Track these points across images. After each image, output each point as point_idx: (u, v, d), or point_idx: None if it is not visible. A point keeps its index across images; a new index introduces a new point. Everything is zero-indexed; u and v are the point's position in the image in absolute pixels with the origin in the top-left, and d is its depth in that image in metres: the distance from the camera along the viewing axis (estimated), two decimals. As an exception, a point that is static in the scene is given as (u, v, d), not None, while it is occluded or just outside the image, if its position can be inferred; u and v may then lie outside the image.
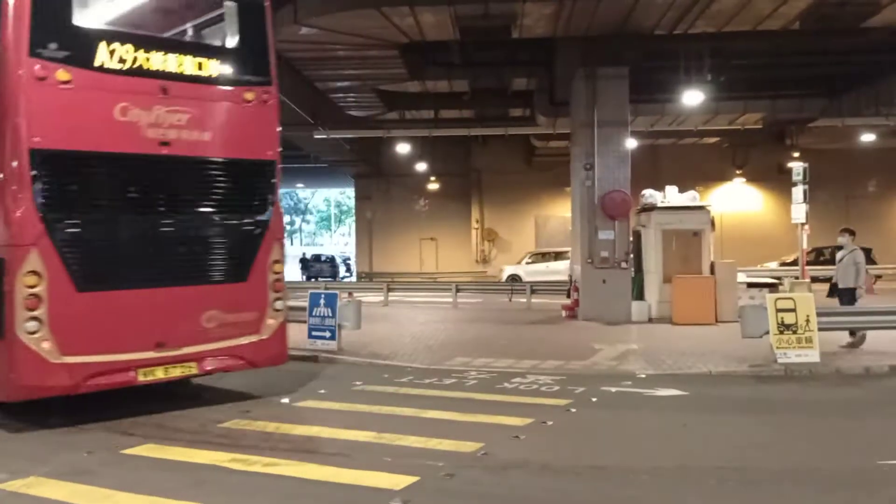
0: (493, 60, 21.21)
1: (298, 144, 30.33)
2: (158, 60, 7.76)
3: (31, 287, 6.95)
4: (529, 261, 30.32)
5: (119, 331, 7.49)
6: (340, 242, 68.99)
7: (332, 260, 45.02)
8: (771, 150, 29.59)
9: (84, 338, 7.27)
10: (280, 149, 9.17)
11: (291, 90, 20.05)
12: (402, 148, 31.20)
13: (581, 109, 17.42)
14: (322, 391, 9.22)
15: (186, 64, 8.02)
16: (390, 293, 22.91)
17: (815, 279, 23.21)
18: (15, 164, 7.01)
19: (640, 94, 18.70)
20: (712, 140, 30.59)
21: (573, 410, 8.19)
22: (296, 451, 6.45)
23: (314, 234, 76.64)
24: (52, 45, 7.08)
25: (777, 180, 28.34)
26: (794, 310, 10.32)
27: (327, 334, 11.95)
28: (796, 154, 25.82)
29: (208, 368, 8.21)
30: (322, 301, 12.09)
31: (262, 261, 8.54)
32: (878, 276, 26.48)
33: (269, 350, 8.75)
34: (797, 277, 19.15)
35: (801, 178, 17.20)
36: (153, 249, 7.81)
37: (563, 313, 17.79)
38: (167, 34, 8.89)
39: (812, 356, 10.22)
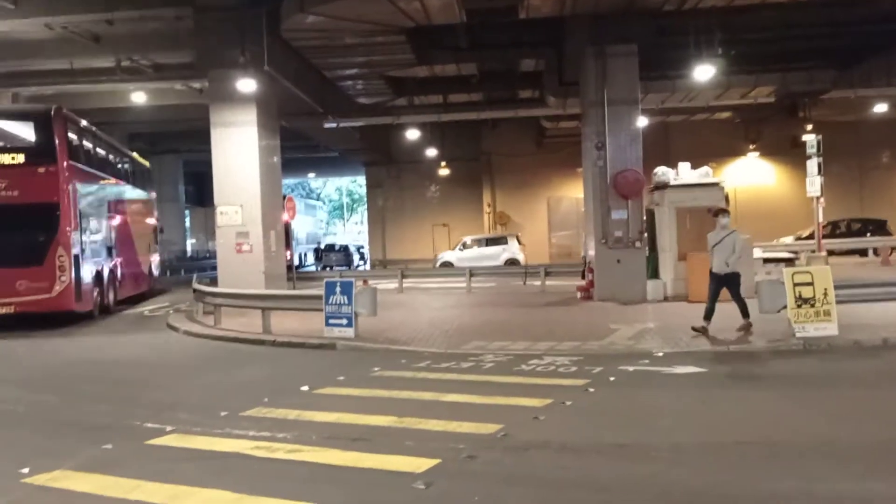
0: (500, 42, 21.10)
1: (308, 134, 30.35)
2: None
3: None
4: (461, 248, 30.83)
5: None
6: (353, 231, 69.06)
7: (345, 249, 45.14)
8: (783, 123, 29.31)
9: None
10: (62, 195, 14.98)
11: (299, 80, 20.04)
12: (412, 134, 31.14)
13: (591, 89, 17.33)
14: (341, 378, 9.28)
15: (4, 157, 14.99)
16: (404, 280, 22.95)
17: (830, 252, 23.12)
18: None
19: (650, 72, 18.57)
20: (724, 115, 30.32)
21: (591, 390, 8.20)
22: (317, 437, 6.49)
23: (327, 223, 76.77)
24: None
25: (790, 154, 28.12)
26: (811, 283, 10.28)
27: (344, 322, 12.01)
28: (809, 127, 25.48)
29: (19, 310, 14.49)
30: (338, 289, 12.15)
31: (52, 253, 14.67)
32: (894, 248, 26.26)
33: (60, 302, 14.83)
34: (813, 251, 19.05)
35: (815, 150, 17.10)
36: None
37: (578, 294, 17.78)
38: None
39: (830, 329, 10.18)
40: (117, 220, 19.55)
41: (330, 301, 12.14)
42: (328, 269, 38.20)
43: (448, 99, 26.25)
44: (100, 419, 7.58)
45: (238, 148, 17.59)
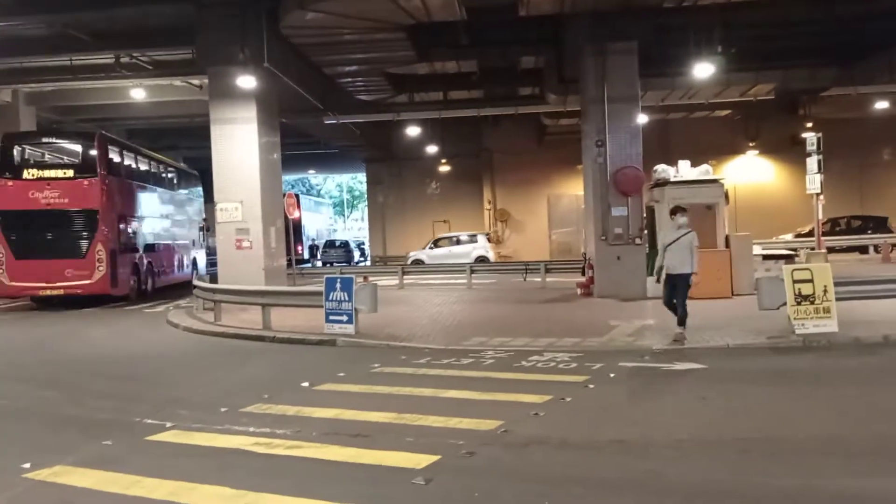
0: (500, 39, 21.06)
1: (308, 131, 30.34)
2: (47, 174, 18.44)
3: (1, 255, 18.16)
4: (432, 246, 31.38)
5: (33, 274, 17.91)
6: (354, 227, 69.07)
7: (346, 245, 45.13)
8: (783, 121, 29.34)
9: (18, 276, 17.84)
10: (102, 203, 18.47)
11: (299, 76, 20.04)
12: (413, 131, 31.15)
13: (591, 86, 17.32)
14: (341, 374, 9.28)
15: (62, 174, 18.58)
16: (405, 276, 22.97)
17: (830, 249, 23.14)
18: None
19: (650, 69, 18.54)
20: (724, 113, 30.31)
21: (591, 386, 8.21)
22: (317, 433, 6.50)
23: (334, 220, 76.72)
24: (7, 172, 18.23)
25: (790, 151, 28.14)
26: (811, 280, 10.29)
27: (344, 318, 12.02)
28: (809, 124, 25.54)
29: (67, 293, 18.17)
30: (338, 285, 12.16)
31: (93, 248, 18.21)
32: (895, 245, 26.28)
33: (98, 287, 18.33)
34: (813, 248, 19.06)
35: (814, 148, 17.10)
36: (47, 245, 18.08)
37: (579, 291, 17.80)
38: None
39: (830, 326, 10.19)
40: (157, 220, 22.91)
41: (330, 297, 12.14)
42: (329, 265, 38.18)
43: (448, 96, 26.25)
44: (100, 415, 7.59)
45: (238, 144, 17.59)
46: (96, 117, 29.38)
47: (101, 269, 18.08)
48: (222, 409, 7.49)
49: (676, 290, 10.63)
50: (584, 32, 17.46)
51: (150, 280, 21.52)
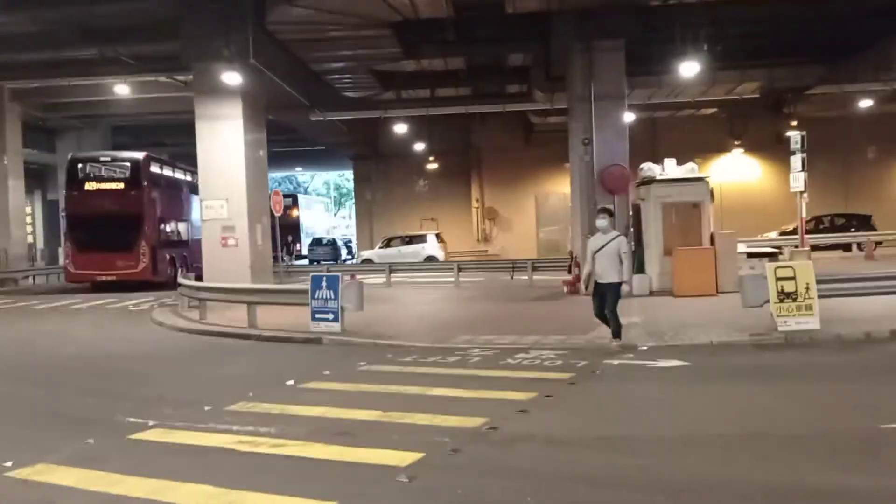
0: (488, 37, 21.10)
1: (295, 127, 30.26)
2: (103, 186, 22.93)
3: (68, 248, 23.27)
4: (382, 245, 31.88)
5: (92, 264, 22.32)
6: (342, 225, 68.93)
7: (333, 243, 45.04)
8: (769, 119, 29.51)
9: (81, 265, 22.38)
10: (145, 209, 22.83)
11: (285, 73, 19.97)
12: (400, 128, 31.12)
13: (578, 84, 17.37)
14: (327, 372, 9.26)
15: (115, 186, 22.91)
16: (392, 274, 22.95)
17: (814, 247, 23.31)
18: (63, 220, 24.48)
19: (637, 67, 18.64)
20: (710, 111, 30.50)
21: (576, 384, 8.23)
22: (302, 431, 6.48)
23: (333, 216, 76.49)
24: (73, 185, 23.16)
25: (775, 150, 28.28)
26: (793, 278, 10.37)
27: (330, 316, 12.00)
28: (794, 123, 25.72)
29: (118, 279, 22.13)
30: (324, 283, 12.13)
31: (138, 243, 22.37)
32: (879, 243, 26.50)
33: (142, 274, 22.31)
34: (797, 246, 19.19)
35: (799, 146, 17.22)
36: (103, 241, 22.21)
37: (565, 289, 17.83)
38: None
39: (812, 323, 10.27)
40: (189, 220, 25.97)
41: (316, 295, 12.11)
42: (315, 263, 38.08)
43: (436, 93, 26.25)
44: (83, 413, 7.55)
45: (223, 141, 17.52)
46: (82, 114, 29.20)
47: (144, 260, 22.37)
48: (206, 408, 7.46)
49: (606, 301, 10.00)
50: (571, 30, 17.52)
51: (184, 269, 22.62)
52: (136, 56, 20.35)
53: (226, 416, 7.13)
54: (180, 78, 21.50)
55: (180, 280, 16.05)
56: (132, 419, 7.06)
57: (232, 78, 16.53)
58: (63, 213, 27.49)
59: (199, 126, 17.68)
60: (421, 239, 30.96)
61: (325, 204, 67.43)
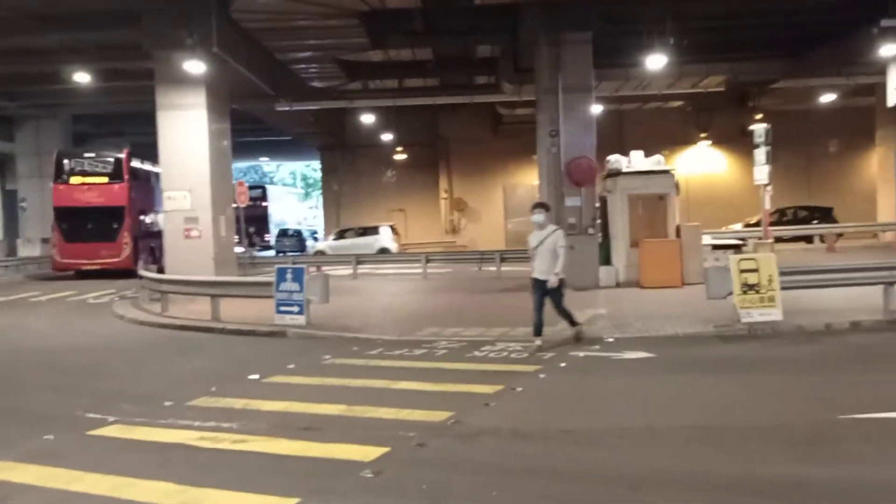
0: (456, 28, 21.01)
1: (260, 117, 29.92)
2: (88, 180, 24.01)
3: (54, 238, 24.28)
4: (335, 237, 32.01)
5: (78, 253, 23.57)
6: (309, 216, 68.45)
7: (299, 234, 44.73)
8: (734, 112, 29.84)
9: (67, 255, 23.58)
10: (127, 201, 23.70)
11: (250, 62, 19.70)
12: (367, 119, 30.94)
13: (545, 76, 17.36)
14: (291, 366, 9.17)
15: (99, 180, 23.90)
16: (359, 266, 22.83)
17: (778, 239, 23.65)
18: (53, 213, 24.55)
19: (604, 60, 18.65)
20: (676, 104, 30.75)
21: (542, 376, 8.25)
22: (265, 426, 6.41)
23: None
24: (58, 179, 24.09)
25: (740, 142, 28.59)
26: (756, 270, 10.49)
27: (295, 309, 11.87)
28: (759, 116, 26.03)
29: (102, 267, 22.67)
30: (289, 276, 11.99)
31: (121, 234, 23.56)
32: (840, 235, 26.98)
33: (125, 263, 22.79)
34: (761, 238, 19.44)
35: (763, 139, 17.40)
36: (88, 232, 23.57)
37: (533, 280, 17.85)
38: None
39: (775, 315, 10.40)
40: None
41: (281, 288, 11.98)
42: (281, 254, 37.79)
43: (403, 84, 26.11)
44: (41, 409, 7.40)
45: (186, 131, 17.26)
46: (41, 103, 28.56)
47: (126, 250, 23.48)
48: (167, 403, 7.34)
49: (551, 297, 9.73)
50: (538, 22, 17.50)
51: (163, 259, 24.01)
52: (97, 44, 19.92)
53: (187, 412, 7.03)
54: (142, 66, 21.09)
55: (141, 272, 15.79)
56: (91, 415, 6.93)
57: (195, 67, 16.26)
58: (22, 204, 30.47)
59: (161, 116, 17.39)
60: (374, 231, 30.92)
61: (298, 195, 66.93)
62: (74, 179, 23.89)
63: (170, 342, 11.82)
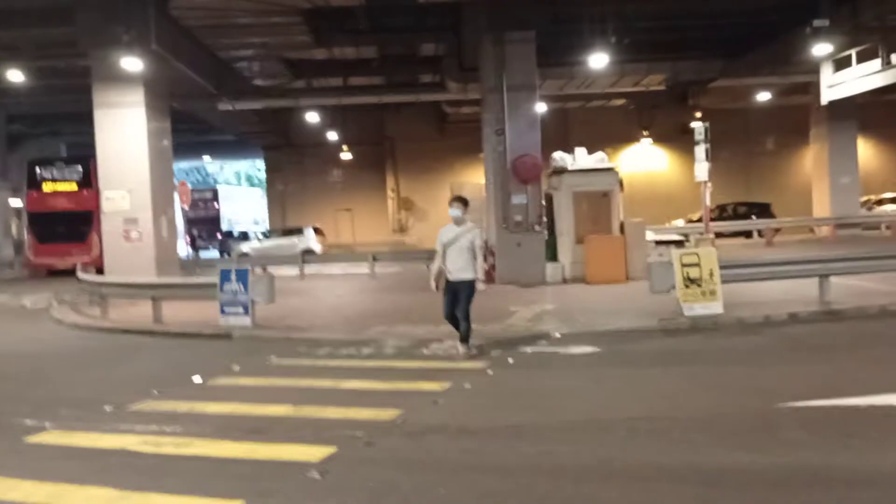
0: (400, 26, 20.98)
1: (202, 117, 29.39)
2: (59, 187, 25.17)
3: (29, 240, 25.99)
4: (259, 239, 32.17)
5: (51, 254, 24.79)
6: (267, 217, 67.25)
7: (245, 235, 44.06)
8: (675, 110, 30.44)
9: (41, 255, 25.08)
10: (96, 206, 20.28)
11: (191, 60, 19.32)
12: (313, 117, 30.65)
13: (490, 75, 17.44)
14: (236, 368, 9.02)
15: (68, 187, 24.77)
16: (306, 266, 22.61)
17: (719, 235, 24.23)
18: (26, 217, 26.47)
19: (548, 58, 18.86)
20: (620, 102, 31.21)
21: (490, 373, 8.29)
22: (209, 429, 6.29)
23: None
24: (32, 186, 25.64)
25: (681, 140, 29.24)
26: (698, 264, 10.71)
27: (240, 310, 11.69)
28: (698, 114, 26.60)
29: (72, 266, 17.86)
30: (233, 276, 11.80)
31: (91, 235, 23.54)
32: (778, 230, 27.76)
33: (95, 262, 19.90)
34: (702, 234, 19.87)
35: (702, 137, 17.79)
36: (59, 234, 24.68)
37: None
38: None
39: (716, 308, 10.64)
40: None
41: (224, 289, 11.78)
42: (226, 255, 37.19)
43: (348, 82, 25.93)
44: (-27, 418, 7.12)
45: (124, 130, 16.83)
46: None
47: (96, 250, 23.39)
48: (108, 408, 7.15)
49: (458, 300, 8.92)
50: (482, 21, 17.56)
51: None
52: (31, 42, 19.28)
53: (128, 416, 6.86)
54: (80, 64, 20.51)
55: (80, 275, 15.34)
56: (29, 421, 6.72)
57: (132, 64, 15.86)
58: None
59: (99, 114, 16.93)
60: (298, 232, 30.81)
61: (258, 196, 65.74)
62: (46, 187, 25.41)
63: (110, 346, 11.51)
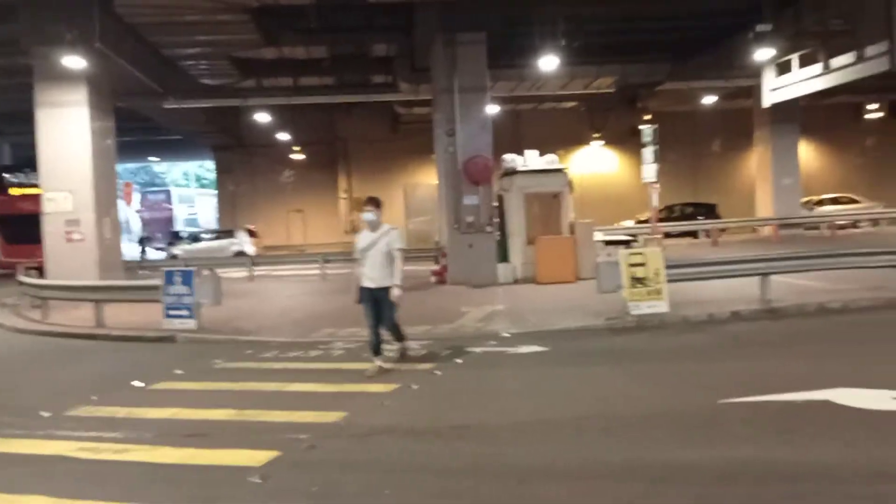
0: (351, 25, 20.79)
1: (148, 115, 28.79)
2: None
3: None
4: (189, 241, 32.02)
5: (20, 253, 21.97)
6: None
7: (176, 236, 43.49)
8: (624, 113, 30.79)
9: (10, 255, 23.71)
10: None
11: (136, 58, 18.87)
12: (263, 118, 30.25)
13: (441, 76, 17.44)
14: (179, 372, 8.85)
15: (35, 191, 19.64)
16: (255, 267, 22.31)
17: (667, 235, 24.63)
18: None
19: (500, 60, 18.90)
20: (570, 104, 31.49)
21: (438, 373, 8.27)
22: (149, 435, 6.15)
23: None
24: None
25: (631, 142, 29.54)
26: (644, 264, 10.85)
27: (185, 313, 11.46)
28: (647, 116, 26.99)
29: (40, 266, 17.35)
30: (178, 279, 11.57)
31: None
32: (723, 230, 28.32)
33: None
34: (650, 234, 20.16)
35: (650, 139, 18.06)
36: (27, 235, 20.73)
37: (433, 279, 17.93)
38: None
39: (661, 307, 10.80)
40: None
41: (169, 291, 11.54)
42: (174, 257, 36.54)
43: (299, 82, 25.63)
44: None
45: (67, 130, 16.33)
46: None
47: None
48: (44, 414, 6.95)
49: (382, 308, 8.37)
50: (433, 22, 17.55)
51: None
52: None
53: (66, 422, 6.68)
54: (21, 62, 19.88)
55: (20, 278, 14.90)
56: (-42, 431, 6.48)
57: (75, 63, 15.42)
58: None
59: (40, 114, 16.42)
60: (229, 234, 30.61)
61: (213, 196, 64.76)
62: (13, 191, 26.72)
63: (50, 350, 11.18)
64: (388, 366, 8.52)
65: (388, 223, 8.77)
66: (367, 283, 8.35)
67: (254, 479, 4.98)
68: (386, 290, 8.26)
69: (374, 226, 8.50)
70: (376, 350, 8.49)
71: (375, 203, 8.60)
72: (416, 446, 5.72)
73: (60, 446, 5.94)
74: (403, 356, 8.94)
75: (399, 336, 8.83)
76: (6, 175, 27.88)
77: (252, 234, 30.17)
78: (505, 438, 5.77)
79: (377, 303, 8.35)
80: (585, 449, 5.48)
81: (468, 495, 4.66)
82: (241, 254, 28.33)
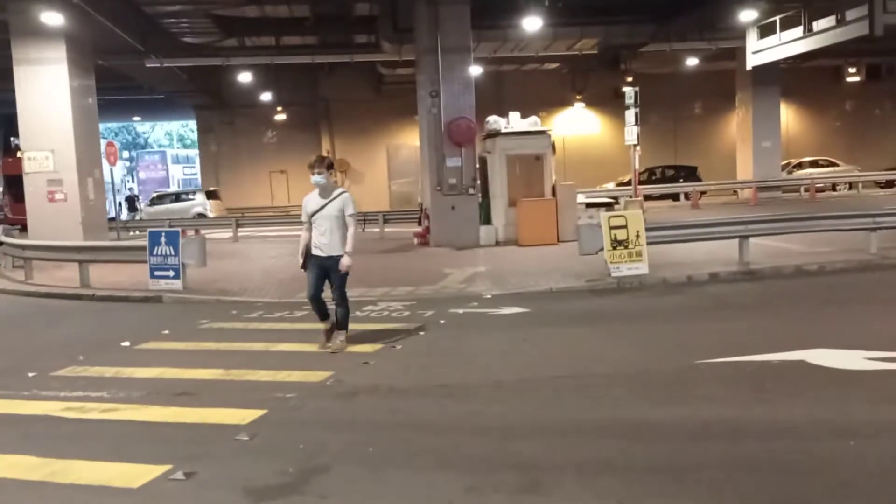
0: (333, -17, 20.53)
1: (130, 74, 28.37)
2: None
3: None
4: (149, 203, 32.61)
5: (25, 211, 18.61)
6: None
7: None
8: (607, 75, 30.72)
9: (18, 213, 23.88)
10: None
11: (116, 15, 18.58)
12: (245, 77, 29.89)
13: (424, 36, 17.32)
14: (166, 332, 8.93)
15: None
16: (240, 228, 22.30)
17: (647, 197, 24.78)
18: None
19: (483, 21, 18.78)
20: (553, 66, 31.32)
21: (422, 334, 8.40)
22: (136, 394, 6.24)
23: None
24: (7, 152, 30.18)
25: (613, 104, 29.55)
26: (625, 227, 11.00)
27: (171, 273, 11.53)
28: (630, 79, 26.94)
29: None
30: (163, 239, 11.60)
31: None
32: (703, 192, 28.52)
33: None
34: (631, 196, 20.29)
35: (632, 101, 18.07)
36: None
37: (416, 241, 18.03)
38: None
39: (642, 269, 10.98)
40: None
41: (155, 252, 11.57)
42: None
43: (281, 41, 25.35)
44: None
45: (46, 88, 16.18)
46: None
47: None
48: (30, 374, 7.02)
49: (331, 278, 7.61)
50: (417, -19, 17.35)
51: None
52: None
53: (52, 382, 6.75)
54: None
55: (2, 238, 14.82)
56: (-55, 391, 6.54)
57: (53, 18, 15.19)
58: None
59: (19, 71, 16.22)
60: (190, 196, 30.77)
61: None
62: (19, 153, 28.18)
63: (35, 311, 11.22)
64: (347, 336, 7.76)
65: (340, 187, 8.03)
66: (316, 251, 7.55)
67: (241, 436, 5.09)
68: (336, 259, 7.48)
69: (324, 188, 7.58)
70: (323, 314, 7.74)
71: (325, 162, 7.61)
72: (400, 404, 5.85)
73: (47, 406, 6.02)
74: (339, 346, 7.60)
75: (343, 317, 7.71)
76: (11, 138, 28.81)
77: (214, 195, 30.37)
78: (486, 397, 5.92)
79: (325, 272, 7.58)
80: (563, 407, 5.63)
81: (451, 452, 4.79)
82: (200, 216, 28.67)
